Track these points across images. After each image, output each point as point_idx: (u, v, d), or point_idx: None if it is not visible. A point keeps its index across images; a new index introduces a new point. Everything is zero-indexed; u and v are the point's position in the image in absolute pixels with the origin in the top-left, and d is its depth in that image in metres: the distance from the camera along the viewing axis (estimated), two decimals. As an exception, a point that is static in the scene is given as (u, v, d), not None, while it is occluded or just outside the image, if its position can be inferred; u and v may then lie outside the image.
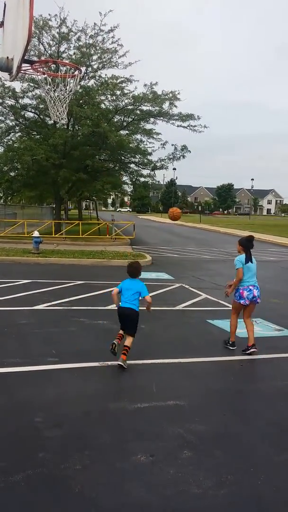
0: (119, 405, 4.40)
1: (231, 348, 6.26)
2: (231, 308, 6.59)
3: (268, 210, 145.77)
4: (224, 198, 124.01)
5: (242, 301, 6.18)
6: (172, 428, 3.97)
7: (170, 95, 22.30)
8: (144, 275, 12.73)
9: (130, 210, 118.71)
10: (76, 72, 8.56)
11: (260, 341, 6.77)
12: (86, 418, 4.12)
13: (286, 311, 9.02)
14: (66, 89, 8.23)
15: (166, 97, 22.27)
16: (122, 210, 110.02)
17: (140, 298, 5.74)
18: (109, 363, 5.52)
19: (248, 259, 6.22)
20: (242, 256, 6.24)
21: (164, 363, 5.67)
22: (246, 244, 6.28)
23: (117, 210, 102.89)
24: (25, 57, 7.25)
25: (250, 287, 6.17)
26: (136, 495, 3.02)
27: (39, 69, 8.20)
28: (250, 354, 6.01)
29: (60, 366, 5.38)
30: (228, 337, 6.39)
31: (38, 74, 8.27)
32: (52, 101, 8.16)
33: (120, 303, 5.67)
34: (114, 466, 3.35)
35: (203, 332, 7.29)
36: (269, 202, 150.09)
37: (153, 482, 3.17)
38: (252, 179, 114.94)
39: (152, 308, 8.58)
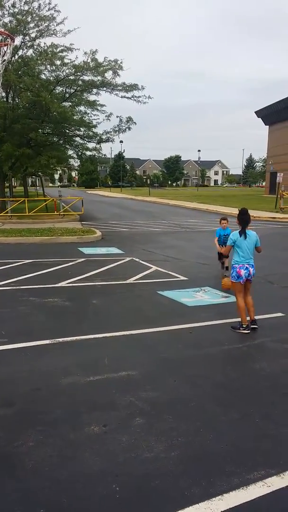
0: (71, 379, 4.42)
1: (246, 332, 5.91)
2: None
3: (216, 181, 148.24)
4: (172, 170, 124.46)
5: (241, 280, 5.98)
6: (124, 397, 4.06)
7: (113, 63, 21.76)
8: (94, 250, 12.74)
9: (74, 185, 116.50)
10: (9, 41, 8.11)
11: (208, 308, 7.00)
12: (38, 394, 4.12)
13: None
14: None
15: (109, 66, 21.71)
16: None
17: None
18: (61, 339, 5.52)
19: (242, 234, 5.97)
20: (235, 233, 6.02)
21: (115, 336, 5.74)
22: (240, 218, 6.03)
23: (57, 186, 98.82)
24: None
25: (247, 265, 5.96)
26: (89, 464, 3.09)
27: None
28: (252, 329, 5.95)
29: (10, 346, 5.31)
30: (239, 322, 6.05)
31: None
32: (-15, 72, 7.73)
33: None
34: (67, 439, 3.39)
35: (154, 303, 7.41)
36: (216, 173, 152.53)
37: (106, 450, 3.25)
38: (199, 151, 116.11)
39: (102, 283, 8.66)
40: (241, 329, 5.97)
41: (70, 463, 3.10)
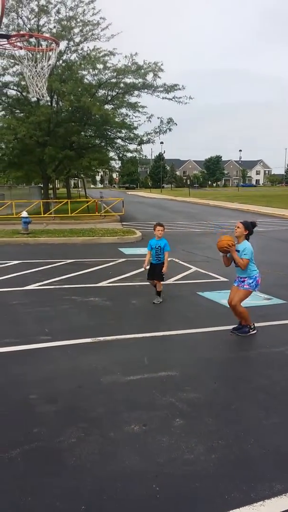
0: (112, 378, 4.48)
1: (254, 332, 5.92)
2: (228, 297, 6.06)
3: (257, 181, 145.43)
4: (213, 171, 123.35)
5: (257, 289, 5.92)
6: (164, 397, 4.07)
7: (153, 66, 21.86)
8: (134, 251, 12.82)
9: (115, 186, 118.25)
10: (54, 45, 8.33)
11: (249, 310, 6.86)
12: (79, 392, 4.20)
13: (274, 280, 9.14)
14: (45, 64, 8.03)
15: (149, 68, 21.82)
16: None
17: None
18: (102, 338, 5.60)
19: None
20: (250, 245, 5.73)
21: (155, 336, 5.75)
22: (251, 231, 5.78)
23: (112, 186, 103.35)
24: (2, 32, 7.04)
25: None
26: (130, 463, 3.12)
27: (16, 43, 7.96)
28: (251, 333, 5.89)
29: (53, 344, 5.45)
30: (247, 326, 5.93)
31: (16, 48, 8.04)
32: (31, 76, 7.97)
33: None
34: (108, 437, 3.44)
35: (194, 304, 7.37)
36: (258, 173, 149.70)
37: (147, 450, 3.27)
38: (240, 150, 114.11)
39: (142, 283, 8.70)
40: (251, 331, 5.90)
41: (111, 461, 3.14)
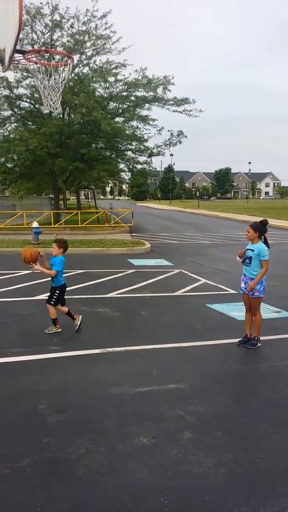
0: (121, 389, 4.49)
1: (259, 344, 5.85)
2: (243, 304, 6.08)
3: (266, 193, 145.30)
4: (222, 183, 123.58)
5: (264, 292, 5.87)
6: (173, 410, 4.06)
7: (163, 80, 22.13)
8: (143, 262, 12.86)
9: (129, 198, 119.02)
10: (69, 60, 8.49)
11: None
12: (88, 403, 4.21)
13: (284, 293, 9.10)
14: (59, 78, 8.18)
15: (160, 81, 22.09)
16: (121, 198, 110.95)
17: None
18: (110, 349, 5.61)
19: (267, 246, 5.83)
20: (265, 247, 5.77)
21: (164, 347, 5.75)
22: (262, 229, 5.83)
23: (116, 198, 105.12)
24: (17, 47, 7.20)
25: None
26: (138, 476, 3.11)
27: (31, 58, 8.14)
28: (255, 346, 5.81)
29: (62, 354, 5.47)
30: (256, 338, 5.86)
31: (31, 63, 8.21)
32: (45, 91, 8.12)
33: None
34: (117, 449, 3.44)
35: (203, 316, 7.36)
36: (267, 185, 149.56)
37: (155, 463, 3.26)
38: (250, 163, 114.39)
39: (151, 294, 8.71)
40: (258, 343, 5.86)
41: (120, 473, 3.14)
